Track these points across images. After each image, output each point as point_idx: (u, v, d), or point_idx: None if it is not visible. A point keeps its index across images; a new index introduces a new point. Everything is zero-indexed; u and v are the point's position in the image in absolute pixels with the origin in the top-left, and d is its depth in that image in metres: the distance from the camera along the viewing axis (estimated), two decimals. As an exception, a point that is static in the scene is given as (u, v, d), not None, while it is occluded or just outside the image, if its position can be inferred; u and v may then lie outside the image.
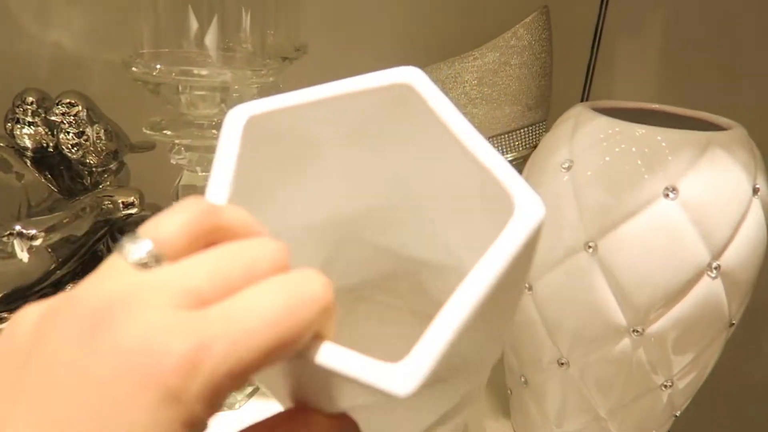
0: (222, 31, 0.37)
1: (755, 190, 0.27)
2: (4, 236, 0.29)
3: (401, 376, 0.13)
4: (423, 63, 0.43)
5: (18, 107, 0.41)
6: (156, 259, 0.13)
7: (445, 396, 0.17)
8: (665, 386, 0.29)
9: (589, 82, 0.50)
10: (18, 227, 0.29)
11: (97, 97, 0.44)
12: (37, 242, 0.29)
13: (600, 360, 0.29)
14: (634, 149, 0.27)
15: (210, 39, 0.36)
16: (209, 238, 0.13)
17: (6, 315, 0.34)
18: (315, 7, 0.50)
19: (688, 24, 0.53)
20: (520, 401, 0.34)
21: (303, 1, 0.44)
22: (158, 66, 0.30)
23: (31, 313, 0.13)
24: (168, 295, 0.12)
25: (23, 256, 0.30)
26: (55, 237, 0.30)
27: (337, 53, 0.51)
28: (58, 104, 0.39)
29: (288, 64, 0.43)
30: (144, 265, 0.13)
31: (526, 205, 0.15)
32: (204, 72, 0.30)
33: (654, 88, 0.55)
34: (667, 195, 0.26)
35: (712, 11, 0.52)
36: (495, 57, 0.41)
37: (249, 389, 0.37)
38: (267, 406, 0.36)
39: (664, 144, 0.27)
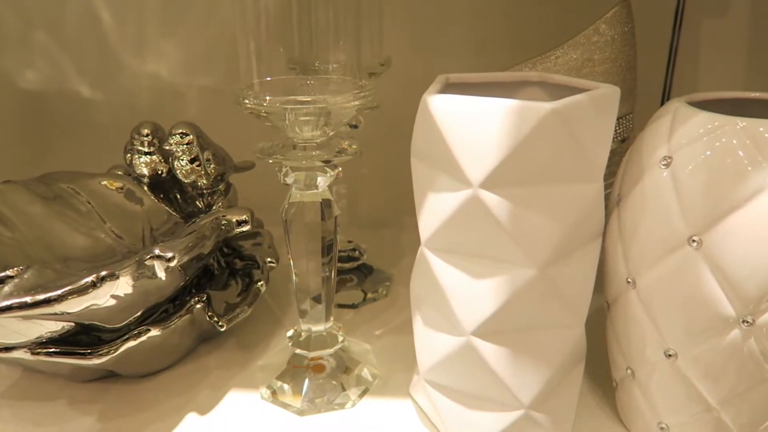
0: (317, 53, 0.39)
1: None
2: (146, 259, 0.33)
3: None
4: (505, 65, 0.44)
5: (135, 139, 0.45)
6: None
7: None
8: (780, 375, 0.29)
9: (671, 70, 0.50)
10: (157, 251, 0.33)
11: (193, 121, 0.48)
12: (173, 263, 0.33)
13: (709, 351, 0.29)
14: (735, 141, 0.27)
15: (306, 62, 0.39)
16: None
17: (141, 329, 0.37)
18: (393, 19, 0.52)
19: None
20: (627, 393, 0.35)
21: (384, 14, 0.46)
22: (267, 98, 0.32)
23: None
24: None
25: (161, 275, 0.33)
26: (187, 257, 0.34)
27: (418, 63, 0.52)
28: (172, 134, 0.43)
29: (374, 79, 0.46)
30: None
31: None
32: (308, 98, 0.32)
33: (741, 72, 0.53)
34: (774, 186, 0.26)
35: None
36: (578, 54, 0.42)
37: (362, 387, 0.40)
38: (379, 404, 0.39)
39: (767, 135, 0.27)
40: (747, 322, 0.28)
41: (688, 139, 0.29)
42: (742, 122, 0.27)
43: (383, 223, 0.61)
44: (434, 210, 0.31)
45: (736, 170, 0.27)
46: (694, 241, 0.28)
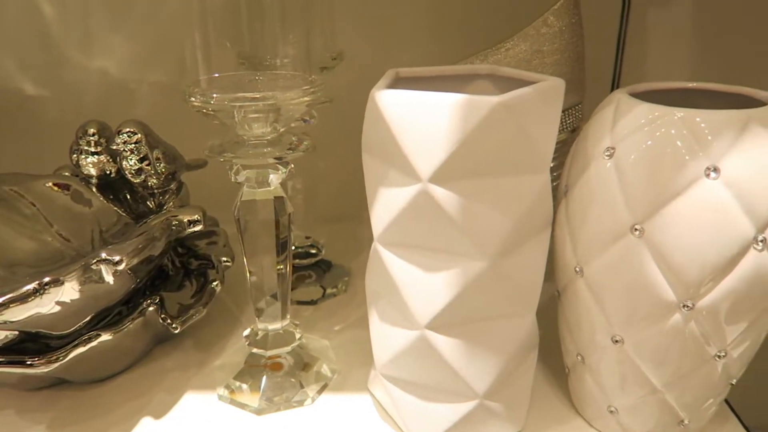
0: (267, 47, 0.39)
1: (797, 162, 0.27)
2: (92, 263, 0.32)
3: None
4: (455, 58, 0.44)
5: (81, 139, 0.44)
6: None
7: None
8: (719, 356, 0.30)
9: (620, 60, 0.51)
10: (104, 254, 0.32)
11: (144, 118, 0.46)
12: (122, 266, 0.32)
13: (653, 335, 0.30)
14: (673, 132, 0.28)
15: (256, 57, 0.38)
16: None
17: (93, 334, 0.36)
18: (344, 11, 0.52)
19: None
20: (578, 379, 0.36)
21: (335, 7, 0.45)
22: (215, 95, 0.32)
23: None
24: None
25: (109, 279, 0.32)
26: (137, 260, 0.33)
27: (372, 56, 0.52)
28: (119, 134, 0.42)
29: (327, 74, 0.45)
30: None
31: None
32: (257, 95, 0.32)
33: (687, 61, 0.55)
34: (709, 174, 0.27)
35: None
36: (527, 46, 0.42)
37: (321, 384, 0.40)
38: (338, 400, 0.39)
39: (703, 125, 0.28)
40: (687, 306, 0.29)
41: (630, 129, 0.29)
42: (679, 113, 0.28)
43: (341, 217, 0.60)
44: (385, 205, 0.31)
45: (674, 159, 0.28)
46: (636, 229, 0.29)
